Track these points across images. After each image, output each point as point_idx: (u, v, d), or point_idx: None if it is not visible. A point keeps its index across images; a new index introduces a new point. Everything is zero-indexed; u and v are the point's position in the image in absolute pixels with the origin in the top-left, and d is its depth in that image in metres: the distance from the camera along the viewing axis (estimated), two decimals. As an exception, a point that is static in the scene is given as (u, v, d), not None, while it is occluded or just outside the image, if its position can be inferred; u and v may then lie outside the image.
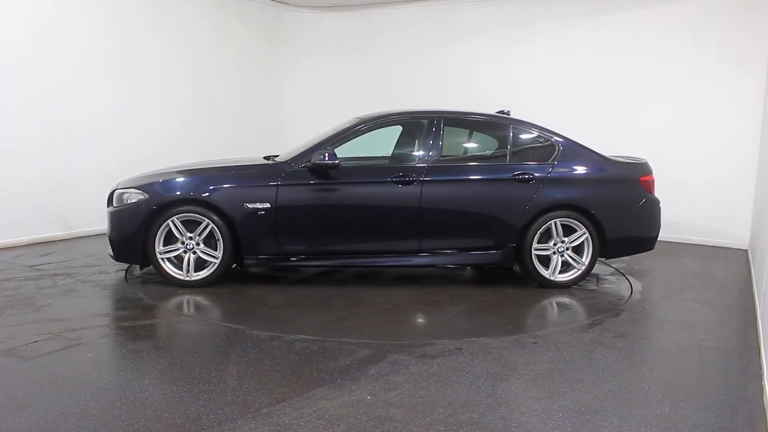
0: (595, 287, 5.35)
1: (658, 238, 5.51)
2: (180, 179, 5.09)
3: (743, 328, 4.35)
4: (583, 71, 8.13)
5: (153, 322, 4.20)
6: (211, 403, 2.94)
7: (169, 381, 3.20)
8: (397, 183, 5.06)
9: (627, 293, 5.21)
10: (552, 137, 5.34)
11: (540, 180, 5.14)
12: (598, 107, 8.06)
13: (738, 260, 6.77)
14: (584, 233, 5.15)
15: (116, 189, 5.22)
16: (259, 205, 4.95)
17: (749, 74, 7.23)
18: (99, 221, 7.13)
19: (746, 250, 7.23)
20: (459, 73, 8.89)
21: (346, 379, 3.27)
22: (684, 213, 7.22)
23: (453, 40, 8.97)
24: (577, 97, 8.16)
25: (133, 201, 5.00)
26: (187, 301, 4.84)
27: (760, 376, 3.45)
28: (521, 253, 5.16)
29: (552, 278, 5.20)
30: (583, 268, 5.20)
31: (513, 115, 5.62)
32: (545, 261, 5.21)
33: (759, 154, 7.00)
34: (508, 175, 5.16)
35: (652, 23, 7.69)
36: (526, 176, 5.13)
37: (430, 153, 5.20)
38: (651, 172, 5.39)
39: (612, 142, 7.19)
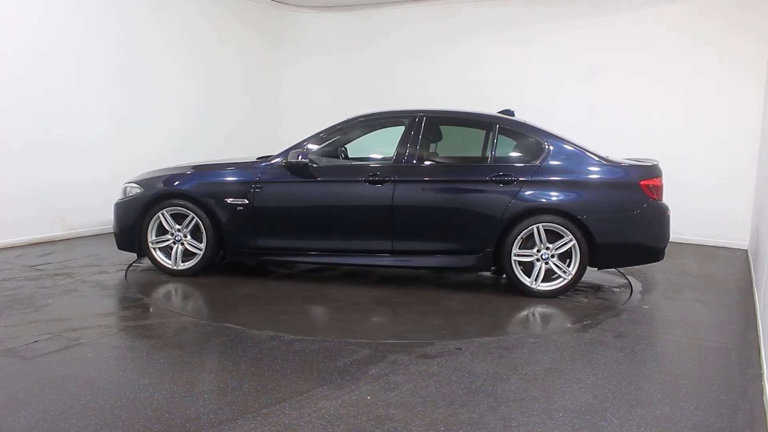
0: (585, 299, 4.97)
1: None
2: (171, 175, 5.44)
3: (743, 328, 4.35)
4: (583, 71, 8.12)
5: (153, 322, 4.21)
6: (211, 403, 2.94)
7: (169, 381, 3.19)
8: (369, 182, 5.04)
9: (621, 305, 5.19)
10: (541, 137, 5.04)
11: (522, 182, 4.87)
12: (598, 107, 8.06)
13: (738, 260, 6.77)
14: (571, 240, 4.80)
15: (125, 183, 5.60)
16: (238, 201, 5.20)
17: (749, 74, 7.23)
18: (99, 221, 7.16)
19: (746, 250, 7.24)
20: (459, 73, 8.89)
21: (346, 379, 3.27)
22: (684, 213, 7.20)
23: (453, 40, 8.97)
24: (577, 96, 8.16)
25: (132, 194, 5.43)
26: (186, 300, 4.92)
27: (760, 376, 3.45)
28: (501, 258, 4.92)
29: (533, 287, 4.89)
30: (570, 277, 4.84)
31: (516, 115, 5.56)
32: (532, 268, 4.91)
33: (759, 154, 7.00)
34: (486, 176, 4.94)
35: (652, 23, 7.69)
36: (506, 178, 4.89)
37: (407, 152, 5.12)
38: (657, 176, 4.95)
39: (612, 142, 7.20)
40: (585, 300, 4.93)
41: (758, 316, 4.46)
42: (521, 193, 4.86)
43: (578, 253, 4.82)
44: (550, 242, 4.85)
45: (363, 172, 5.12)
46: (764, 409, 3.07)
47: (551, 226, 4.83)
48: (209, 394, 3.04)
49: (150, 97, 7.75)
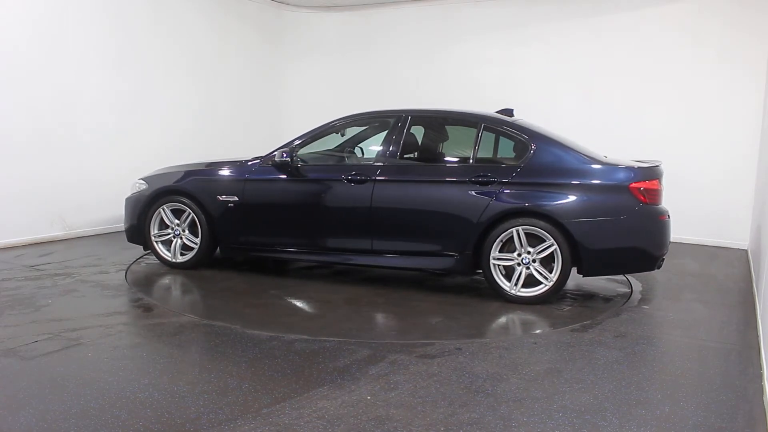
0: (568, 307, 4.71)
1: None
2: (172, 172, 5.66)
3: (743, 328, 4.35)
4: (582, 71, 8.12)
5: (153, 322, 4.20)
6: (211, 403, 2.94)
7: (169, 381, 3.20)
8: (350, 182, 5.04)
9: (621, 305, 5.17)
10: (527, 137, 4.84)
11: (501, 183, 4.70)
12: (598, 107, 8.05)
13: (738, 260, 6.77)
14: (552, 245, 4.56)
15: (137, 179, 5.86)
16: (229, 198, 5.35)
17: (749, 74, 7.23)
18: (99, 221, 7.17)
19: (746, 250, 7.23)
20: (459, 73, 8.89)
21: (346, 379, 3.27)
22: (684, 213, 7.19)
23: (453, 40, 8.96)
24: (577, 96, 8.15)
25: (139, 190, 5.68)
26: (185, 300, 4.93)
27: (760, 376, 3.45)
28: (481, 262, 4.77)
29: (513, 292, 4.68)
30: (551, 284, 4.60)
31: (516, 114, 5.53)
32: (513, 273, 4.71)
33: (759, 154, 7.00)
34: (465, 177, 4.80)
35: (652, 23, 7.69)
36: (485, 179, 4.73)
37: (389, 152, 5.10)
38: (651, 178, 4.65)
39: (612, 142, 7.19)
40: (566, 308, 4.68)
41: (758, 316, 4.46)
42: (500, 195, 4.69)
43: (560, 258, 4.57)
44: (533, 246, 4.63)
45: (344, 171, 5.14)
46: (764, 409, 3.07)
47: (531, 230, 4.62)
48: (209, 394, 3.04)
49: (150, 96, 7.74)
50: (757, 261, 5.52)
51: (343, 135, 5.66)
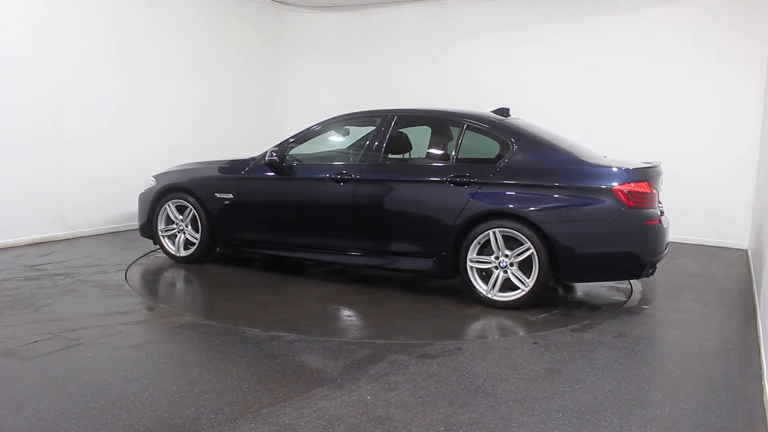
0: (545, 314, 4.48)
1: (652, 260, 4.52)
2: (179, 170, 5.87)
3: (743, 328, 4.35)
4: (582, 71, 8.11)
5: (153, 322, 4.21)
6: (211, 403, 2.94)
7: (169, 381, 3.20)
8: (334, 181, 5.08)
9: (620, 305, 5.17)
10: (509, 136, 4.72)
11: (479, 184, 4.58)
12: (598, 107, 8.05)
13: (738, 260, 6.77)
14: (529, 248, 4.41)
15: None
16: (225, 196, 5.52)
17: (749, 74, 7.22)
18: (99, 221, 7.17)
19: (746, 250, 7.23)
20: (459, 73, 8.88)
21: (346, 379, 3.27)
22: (684, 213, 7.20)
23: (453, 40, 8.96)
24: (577, 96, 8.15)
25: (149, 186, 5.92)
26: (185, 300, 4.92)
27: (760, 376, 3.45)
28: (458, 264, 4.68)
29: (490, 296, 4.54)
30: (528, 289, 4.43)
31: (513, 114, 5.51)
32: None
33: (759, 154, 7.00)
34: (442, 177, 4.73)
35: (652, 23, 7.69)
36: (462, 179, 4.65)
37: (372, 151, 5.12)
38: (639, 180, 4.41)
39: (612, 142, 7.20)
40: (541, 316, 4.45)
41: (758, 316, 4.46)
42: (477, 195, 4.58)
43: (537, 262, 4.40)
44: (512, 249, 4.49)
45: (330, 170, 5.17)
46: (764, 409, 3.07)
47: (509, 232, 4.48)
48: (209, 394, 3.04)
49: (150, 97, 7.74)
50: (757, 261, 5.52)
51: (347, 135, 5.67)
